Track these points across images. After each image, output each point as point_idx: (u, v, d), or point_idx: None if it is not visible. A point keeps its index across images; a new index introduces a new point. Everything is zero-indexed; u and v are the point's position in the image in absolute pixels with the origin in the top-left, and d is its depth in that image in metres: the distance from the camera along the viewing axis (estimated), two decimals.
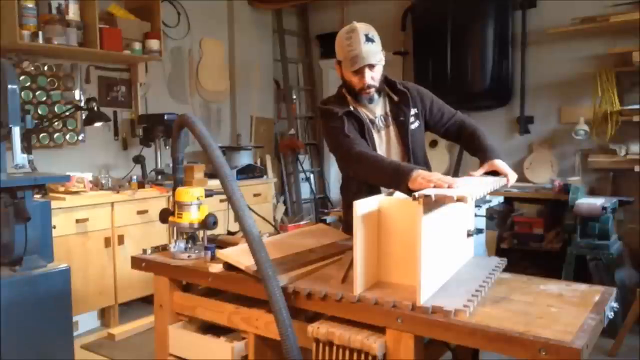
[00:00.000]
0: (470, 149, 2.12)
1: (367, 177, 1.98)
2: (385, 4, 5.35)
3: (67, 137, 3.93)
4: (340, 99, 2.17)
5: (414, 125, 2.15)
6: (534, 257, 4.25)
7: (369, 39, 2.01)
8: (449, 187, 1.54)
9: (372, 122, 2.16)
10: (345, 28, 2.06)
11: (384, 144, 2.18)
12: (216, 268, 1.85)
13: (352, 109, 2.11)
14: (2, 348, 2.24)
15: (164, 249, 2.17)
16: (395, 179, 1.75)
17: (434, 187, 1.56)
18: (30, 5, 3.50)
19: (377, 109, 2.18)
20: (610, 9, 4.10)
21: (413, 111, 2.15)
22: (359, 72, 2.04)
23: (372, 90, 2.10)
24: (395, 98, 2.15)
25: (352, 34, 2.01)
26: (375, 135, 2.15)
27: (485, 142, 2.05)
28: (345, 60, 2.05)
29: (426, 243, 1.44)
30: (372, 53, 2.01)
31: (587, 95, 4.27)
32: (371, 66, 2.04)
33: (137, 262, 2.10)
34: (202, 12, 5.01)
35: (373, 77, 2.07)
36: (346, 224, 2.24)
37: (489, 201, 3.81)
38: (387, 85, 2.18)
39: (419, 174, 1.66)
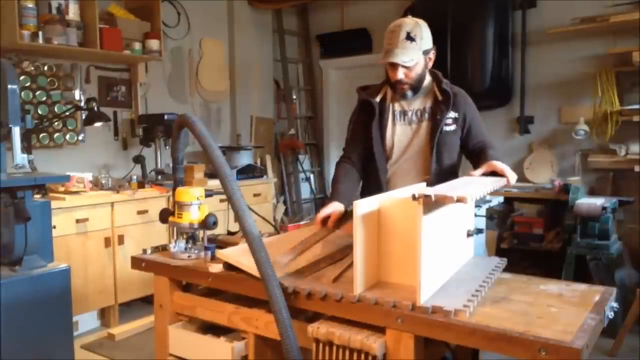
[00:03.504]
0: (475, 164, 2.09)
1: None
2: (385, 3, 5.35)
3: (67, 137, 3.93)
4: (377, 87, 2.25)
5: (450, 127, 2.14)
6: (534, 257, 4.25)
7: (409, 38, 2.02)
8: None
9: (401, 113, 2.19)
10: (397, 21, 2.08)
11: (408, 138, 2.19)
12: (216, 268, 1.85)
13: (370, 99, 2.19)
14: (2, 348, 2.24)
15: (164, 249, 2.17)
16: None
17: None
18: (30, 5, 3.50)
19: (414, 103, 2.19)
20: (610, 9, 4.10)
21: (453, 114, 2.14)
22: (394, 66, 2.06)
23: (406, 87, 2.11)
24: (440, 97, 2.15)
25: (396, 29, 2.04)
26: (396, 127, 2.18)
27: (489, 151, 2.05)
28: (383, 51, 2.07)
29: (426, 243, 1.44)
30: (403, 53, 2.01)
31: (587, 95, 4.27)
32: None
33: (137, 262, 2.10)
34: (202, 12, 5.01)
35: (407, 74, 2.07)
36: None
37: (489, 201, 3.81)
38: (436, 82, 2.18)
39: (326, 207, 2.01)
